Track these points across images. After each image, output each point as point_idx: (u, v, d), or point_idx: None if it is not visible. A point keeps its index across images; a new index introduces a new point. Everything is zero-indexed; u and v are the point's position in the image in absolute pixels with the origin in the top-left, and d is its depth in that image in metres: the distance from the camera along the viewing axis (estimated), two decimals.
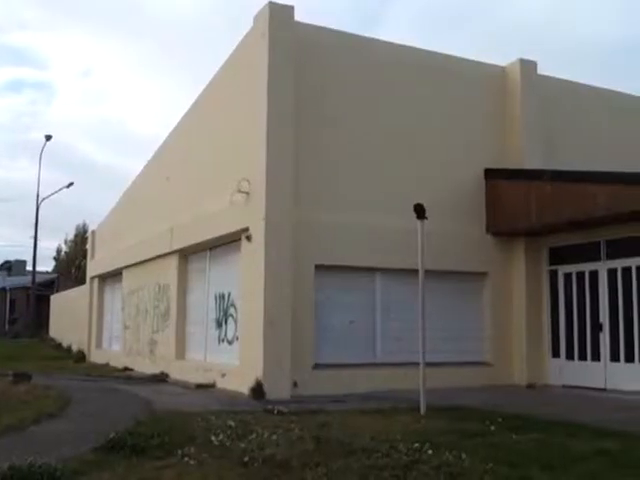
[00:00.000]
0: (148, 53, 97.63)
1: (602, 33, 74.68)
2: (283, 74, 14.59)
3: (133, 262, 23.31)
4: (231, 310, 16.28)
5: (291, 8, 14.79)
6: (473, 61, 17.62)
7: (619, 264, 14.96)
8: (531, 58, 17.93)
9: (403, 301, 15.19)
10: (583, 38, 75.08)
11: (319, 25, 15.57)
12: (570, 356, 16.06)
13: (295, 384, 14.00)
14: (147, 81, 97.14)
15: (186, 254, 19.18)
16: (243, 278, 15.19)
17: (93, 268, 29.89)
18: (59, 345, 37.03)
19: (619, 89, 19.74)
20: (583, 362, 15.68)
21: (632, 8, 77.34)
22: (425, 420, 10.49)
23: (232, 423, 9.68)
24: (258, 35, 14.96)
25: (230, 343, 16.15)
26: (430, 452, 7.87)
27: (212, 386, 15.57)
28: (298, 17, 14.94)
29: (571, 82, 18.85)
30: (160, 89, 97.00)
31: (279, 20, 14.69)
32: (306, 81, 15.01)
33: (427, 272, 11.89)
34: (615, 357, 14.88)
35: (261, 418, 10.51)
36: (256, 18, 15.13)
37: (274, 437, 8.75)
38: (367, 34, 17.87)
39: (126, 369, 21.81)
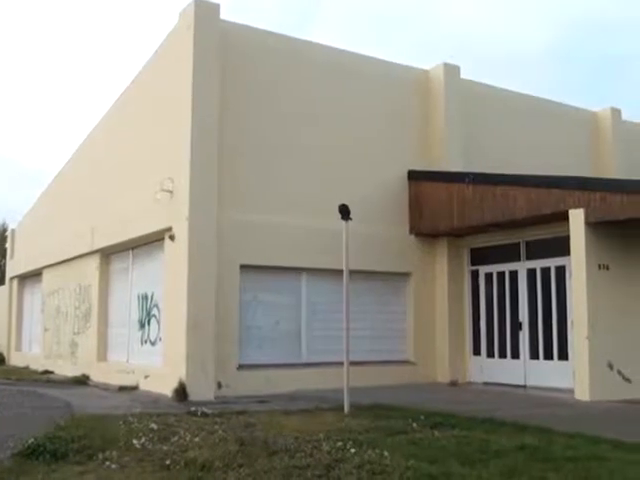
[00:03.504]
0: (70, 45, 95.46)
1: (525, 41, 76.75)
2: (208, 72, 14.45)
3: (53, 262, 22.81)
4: (154, 311, 16.07)
5: (217, 5, 14.69)
6: (398, 64, 17.84)
7: (538, 264, 15.34)
8: (459, 63, 18.30)
9: (329, 301, 15.27)
10: (508, 45, 77.02)
11: (245, 24, 15.51)
12: (491, 354, 16.41)
13: (219, 385, 13.92)
14: (71, 74, 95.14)
15: (108, 254, 18.85)
16: (166, 278, 15.01)
17: (12, 268, 29.15)
18: None
19: (540, 95, 20.35)
20: (503, 360, 16.03)
21: (554, 16, 79.46)
22: (349, 419, 10.54)
23: (154, 426, 9.55)
24: (183, 32, 14.80)
25: (153, 344, 15.95)
26: (353, 450, 7.93)
27: (135, 388, 15.35)
28: (226, 16, 14.91)
29: (493, 87, 19.30)
30: (84, 83, 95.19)
31: (205, 17, 14.55)
32: (231, 79, 14.91)
33: (352, 272, 11.97)
34: (534, 355, 15.26)
35: (184, 420, 10.38)
36: (182, 14, 14.96)
37: (197, 439, 8.68)
38: (299, 35, 17.84)
39: (46, 372, 21.33)
